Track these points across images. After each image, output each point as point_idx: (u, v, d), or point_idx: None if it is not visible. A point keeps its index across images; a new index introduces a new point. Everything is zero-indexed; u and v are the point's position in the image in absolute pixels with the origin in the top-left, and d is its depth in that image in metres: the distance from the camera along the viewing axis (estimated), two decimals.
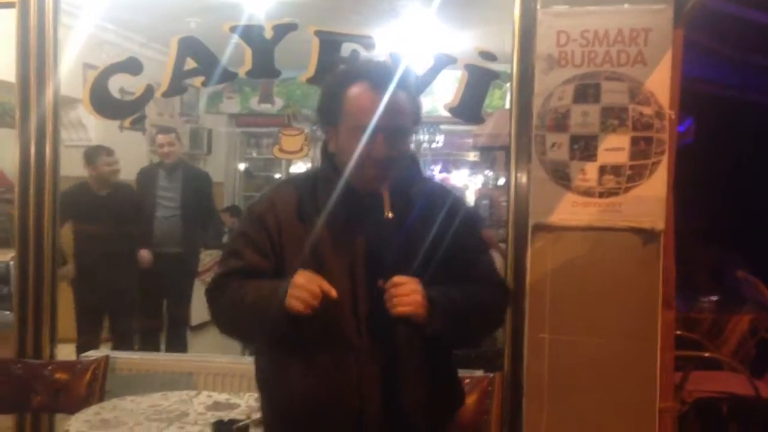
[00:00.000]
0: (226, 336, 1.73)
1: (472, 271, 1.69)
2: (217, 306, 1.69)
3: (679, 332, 2.91)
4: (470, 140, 7.74)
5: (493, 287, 1.74)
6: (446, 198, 1.74)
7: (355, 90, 1.61)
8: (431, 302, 1.54)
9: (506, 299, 1.81)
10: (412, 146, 1.73)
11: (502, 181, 6.86)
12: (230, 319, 1.68)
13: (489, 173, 8.23)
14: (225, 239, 8.10)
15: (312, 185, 1.69)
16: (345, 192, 1.64)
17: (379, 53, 2.76)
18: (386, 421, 1.61)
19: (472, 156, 9.41)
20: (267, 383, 1.73)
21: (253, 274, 1.64)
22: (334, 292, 1.52)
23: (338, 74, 1.70)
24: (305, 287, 1.51)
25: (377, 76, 1.62)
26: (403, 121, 1.62)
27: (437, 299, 1.55)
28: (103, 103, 2.90)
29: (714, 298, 4.15)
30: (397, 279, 1.53)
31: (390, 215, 1.56)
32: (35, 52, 2.99)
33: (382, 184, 1.59)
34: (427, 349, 1.62)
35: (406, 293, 1.52)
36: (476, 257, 1.73)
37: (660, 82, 2.42)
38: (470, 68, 2.71)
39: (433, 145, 9.37)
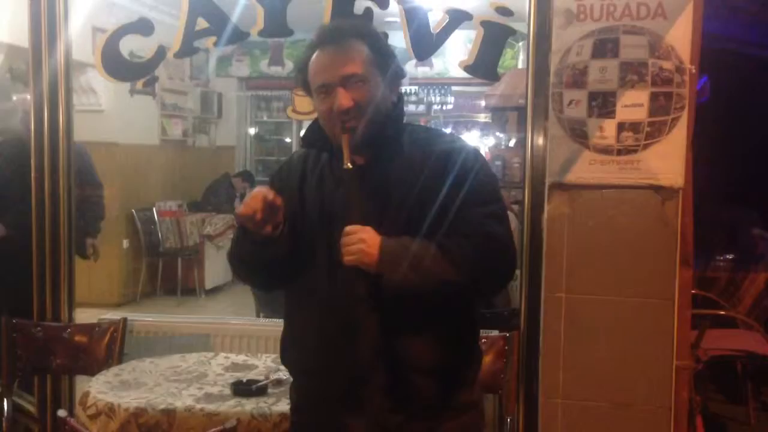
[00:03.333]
0: (245, 281, 1.91)
1: (462, 223, 1.61)
2: (229, 256, 1.80)
3: (694, 291, 2.90)
4: (481, 101, 7.67)
5: (480, 239, 1.59)
6: (446, 150, 1.67)
7: (312, 58, 1.67)
8: (381, 250, 1.54)
9: (499, 252, 1.62)
10: (393, 97, 1.69)
11: (513, 142, 6.80)
12: (234, 260, 1.78)
13: (501, 134, 8.16)
14: (237, 203, 8.14)
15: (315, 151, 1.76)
16: (329, 151, 1.71)
17: (393, 10, 2.71)
18: (343, 370, 1.65)
19: (484, 117, 9.33)
20: (280, 347, 1.82)
21: None
22: (268, 197, 1.57)
23: (305, 49, 1.73)
24: (246, 200, 1.60)
25: (323, 37, 1.67)
26: (354, 67, 1.62)
27: (388, 247, 1.55)
28: (115, 65, 2.87)
29: (729, 256, 4.13)
30: (348, 228, 1.56)
31: (349, 165, 1.60)
32: (46, 16, 2.96)
33: (350, 132, 1.62)
34: (381, 300, 1.59)
35: (352, 242, 1.55)
36: (466, 208, 1.62)
37: (680, 36, 2.36)
38: (486, 24, 2.66)
39: (444, 107, 9.30)
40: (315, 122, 1.75)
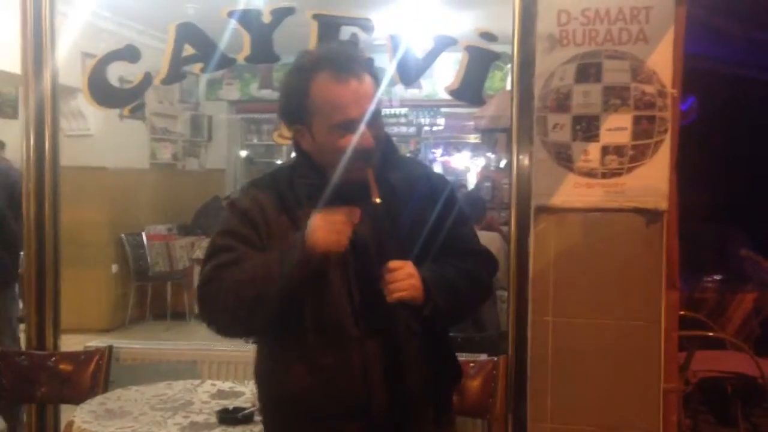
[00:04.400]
0: (224, 330, 1.63)
1: (455, 243, 1.69)
2: (216, 295, 1.58)
3: (682, 312, 2.90)
4: (471, 123, 7.72)
5: (477, 257, 1.74)
6: (425, 175, 1.74)
7: (320, 84, 1.54)
8: (425, 282, 1.55)
9: (493, 267, 1.79)
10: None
11: (503, 163, 6.84)
12: (233, 301, 1.55)
13: (490, 155, 8.20)
14: None
15: (290, 180, 1.64)
16: (325, 186, 1.59)
17: (379, 36, 2.73)
18: (393, 406, 1.61)
19: (474, 138, 9.38)
20: (266, 379, 1.71)
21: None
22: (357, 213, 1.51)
23: (295, 71, 1.59)
24: (331, 220, 1.48)
25: (335, 65, 1.54)
26: (374, 104, 1.57)
27: (431, 279, 1.57)
28: (102, 91, 2.88)
29: (717, 277, 4.14)
30: (392, 264, 1.52)
31: (378, 200, 1.53)
32: (32, 41, 2.97)
33: (366, 172, 1.55)
34: (425, 330, 1.63)
35: (403, 278, 1.52)
36: (458, 230, 1.71)
37: (662, 60, 2.39)
38: (471, 49, 2.68)
39: (434, 129, 9.34)
40: (304, 155, 1.63)
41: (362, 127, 1.54)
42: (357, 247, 1.56)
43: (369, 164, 1.56)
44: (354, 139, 1.54)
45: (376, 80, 1.60)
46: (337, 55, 1.57)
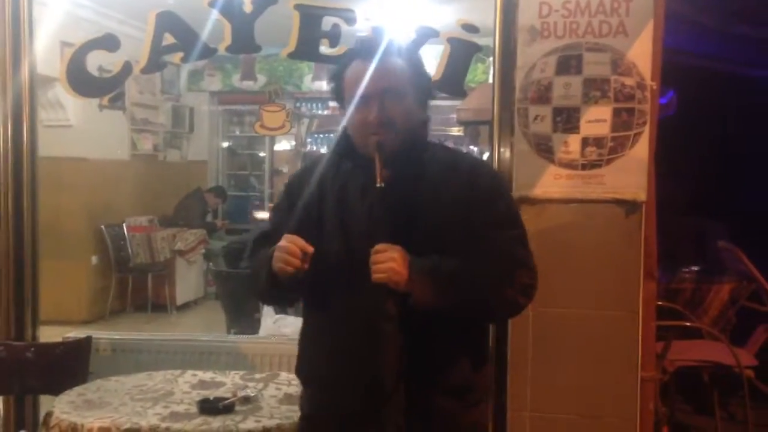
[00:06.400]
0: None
1: (486, 245, 1.63)
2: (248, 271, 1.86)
3: (660, 302, 2.94)
4: (454, 115, 7.71)
5: (509, 264, 1.65)
6: (461, 166, 1.72)
7: (350, 68, 1.71)
8: (410, 270, 1.56)
9: (525, 278, 1.68)
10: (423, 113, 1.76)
11: (486, 156, 6.86)
12: (251, 286, 1.86)
13: (473, 148, 8.21)
14: (208, 218, 8.09)
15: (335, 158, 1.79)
16: (355, 161, 1.73)
17: (361, 27, 2.73)
18: (364, 386, 1.66)
19: (456, 131, 9.38)
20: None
21: (277, 235, 1.74)
22: (309, 248, 1.62)
23: (340, 57, 1.80)
24: (284, 249, 1.62)
25: (366, 49, 1.70)
26: (392, 83, 1.67)
27: (419, 268, 1.57)
28: (80, 80, 2.85)
29: (695, 268, 4.19)
30: (378, 246, 1.57)
31: (380, 184, 1.61)
32: (10, 30, 2.93)
33: (381, 149, 1.64)
34: (406, 316, 1.62)
35: (383, 260, 1.56)
36: (491, 231, 1.65)
37: (641, 52, 2.41)
38: (452, 41, 2.69)
39: None
40: (344, 132, 1.76)
41: (369, 102, 1.65)
42: (353, 226, 1.67)
43: (382, 141, 1.64)
44: (360, 113, 1.66)
45: (409, 64, 1.71)
46: (368, 41, 1.77)
